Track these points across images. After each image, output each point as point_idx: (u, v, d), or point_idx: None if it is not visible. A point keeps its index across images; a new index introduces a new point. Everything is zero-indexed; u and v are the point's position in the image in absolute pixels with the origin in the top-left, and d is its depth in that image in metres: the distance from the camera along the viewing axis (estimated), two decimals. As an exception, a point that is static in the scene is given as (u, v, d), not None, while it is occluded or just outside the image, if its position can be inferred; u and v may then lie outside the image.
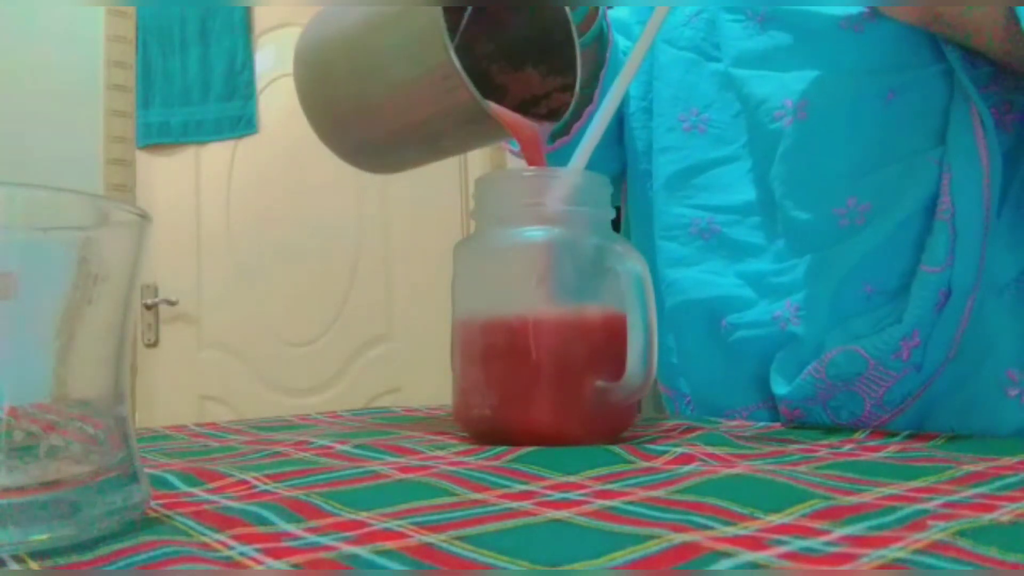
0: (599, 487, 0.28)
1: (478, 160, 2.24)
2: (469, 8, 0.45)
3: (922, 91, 0.46)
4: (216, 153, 2.23)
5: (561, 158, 0.51)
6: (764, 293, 0.51)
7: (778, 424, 0.51)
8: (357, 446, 0.39)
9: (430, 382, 2.08)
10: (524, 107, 0.50)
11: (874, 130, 0.47)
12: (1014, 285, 0.45)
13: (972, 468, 0.30)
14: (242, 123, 2.37)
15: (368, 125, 0.47)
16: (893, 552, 0.19)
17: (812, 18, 0.49)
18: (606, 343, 0.39)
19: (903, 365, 0.44)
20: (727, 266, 0.53)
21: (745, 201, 0.52)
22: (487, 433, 0.40)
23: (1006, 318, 0.45)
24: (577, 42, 0.49)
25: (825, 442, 0.40)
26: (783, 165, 0.50)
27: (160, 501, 0.27)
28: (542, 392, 0.39)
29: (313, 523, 0.23)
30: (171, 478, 0.31)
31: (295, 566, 0.19)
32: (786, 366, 0.49)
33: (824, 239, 0.48)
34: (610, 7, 0.62)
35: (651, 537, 0.21)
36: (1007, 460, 0.32)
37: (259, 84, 2.42)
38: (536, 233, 0.41)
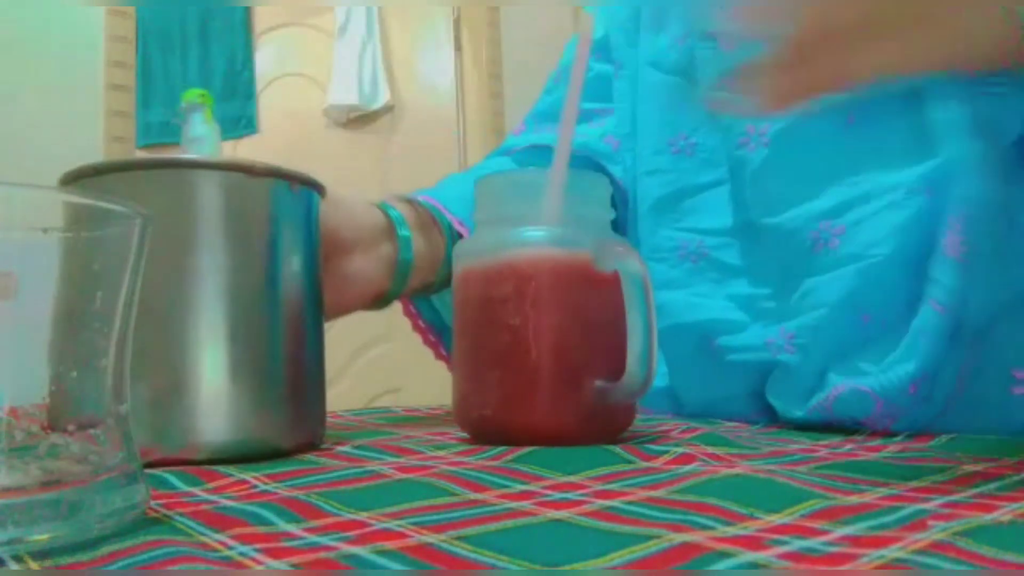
0: (599, 487, 0.28)
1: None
2: None
3: (883, 113, 0.46)
4: (216, 153, 2.23)
5: None
6: (756, 317, 0.51)
7: (778, 424, 0.51)
8: (357, 446, 0.39)
9: (430, 382, 2.08)
10: None
11: (838, 154, 0.47)
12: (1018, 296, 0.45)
13: (972, 468, 0.30)
14: (242, 123, 2.37)
15: None
16: (893, 552, 0.19)
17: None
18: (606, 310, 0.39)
19: (912, 399, 0.43)
20: (716, 289, 0.53)
21: (733, 224, 0.53)
22: (487, 433, 0.40)
23: (1008, 320, 0.45)
24: None
25: (825, 442, 0.40)
26: (753, 190, 0.50)
27: (160, 501, 0.27)
28: (542, 392, 0.39)
29: (313, 523, 0.23)
30: (171, 478, 0.31)
31: (295, 566, 0.19)
32: (783, 394, 0.49)
33: (802, 263, 0.48)
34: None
35: (651, 537, 0.21)
36: (1007, 460, 0.32)
37: (259, 84, 2.42)
38: (536, 234, 0.41)
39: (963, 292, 0.42)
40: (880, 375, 0.43)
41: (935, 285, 0.43)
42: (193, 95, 0.41)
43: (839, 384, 0.45)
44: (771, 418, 0.52)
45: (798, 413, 0.48)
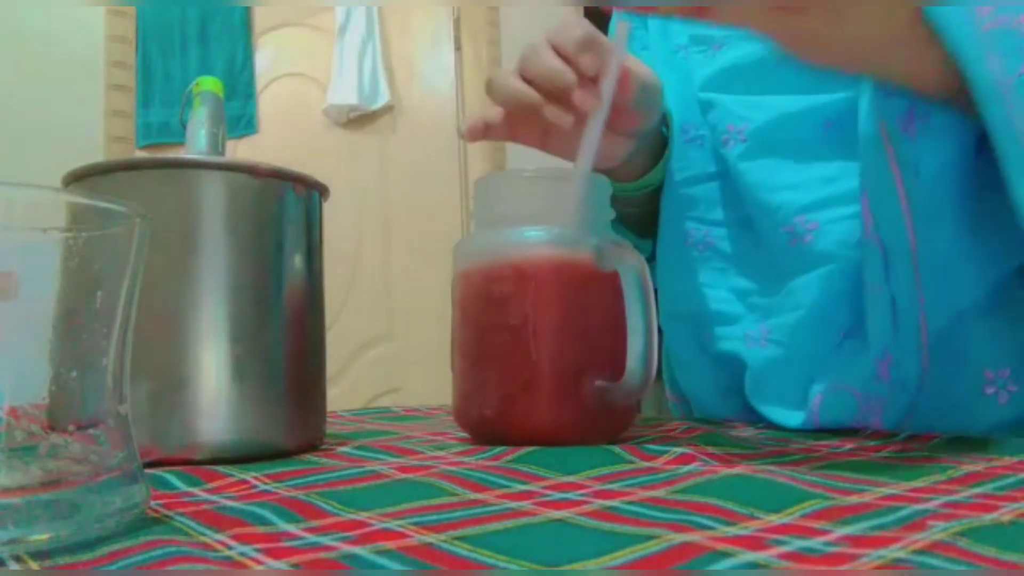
0: (599, 487, 0.28)
1: (478, 160, 2.24)
2: None
3: (856, 121, 0.46)
4: (216, 153, 2.23)
5: None
6: (750, 310, 0.52)
7: (778, 425, 0.51)
8: (357, 446, 0.39)
9: (430, 382, 2.08)
10: None
11: (813, 156, 0.48)
12: (985, 299, 0.45)
13: (972, 468, 0.30)
14: (242, 123, 2.37)
15: None
16: (893, 552, 0.19)
17: (755, 39, 0.50)
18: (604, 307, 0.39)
19: (887, 386, 0.44)
20: (719, 279, 0.54)
21: (737, 216, 0.54)
22: (487, 433, 0.40)
23: (978, 323, 0.45)
24: None
25: (825, 442, 0.40)
26: (737, 186, 0.52)
27: (160, 501, 0.27)
28: (542, 392, 0.39)
29: (313, 523, 0.23)
30: (171, 478, 0.31)
31: (295, 566, 0.19)
32: (770, 399, 0.50)
33: (783, 258, 0.49)
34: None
35: (651, 537, 0.21)
36: (1007, 460, 0.32)
37: (259, 84, 2.42)
38: (536, 234, 0.41)
39: (885, 269, 0.42)
40: (851, 368, 0.44)
41: (866, 270, 0.43)
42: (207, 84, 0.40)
43: (819, 392, 0.45)
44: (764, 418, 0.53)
45: (790, 423, 0.48)
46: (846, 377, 0.44)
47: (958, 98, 0.39)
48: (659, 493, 0.27)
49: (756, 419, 0.53)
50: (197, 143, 0.43)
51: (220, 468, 0.33)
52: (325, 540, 0.21)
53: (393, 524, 0.23)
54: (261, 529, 0.23)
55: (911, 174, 0.42)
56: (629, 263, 0.39)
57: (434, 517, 0.24)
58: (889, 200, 0.42)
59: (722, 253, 0.54)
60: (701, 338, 0.54)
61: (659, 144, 0.57)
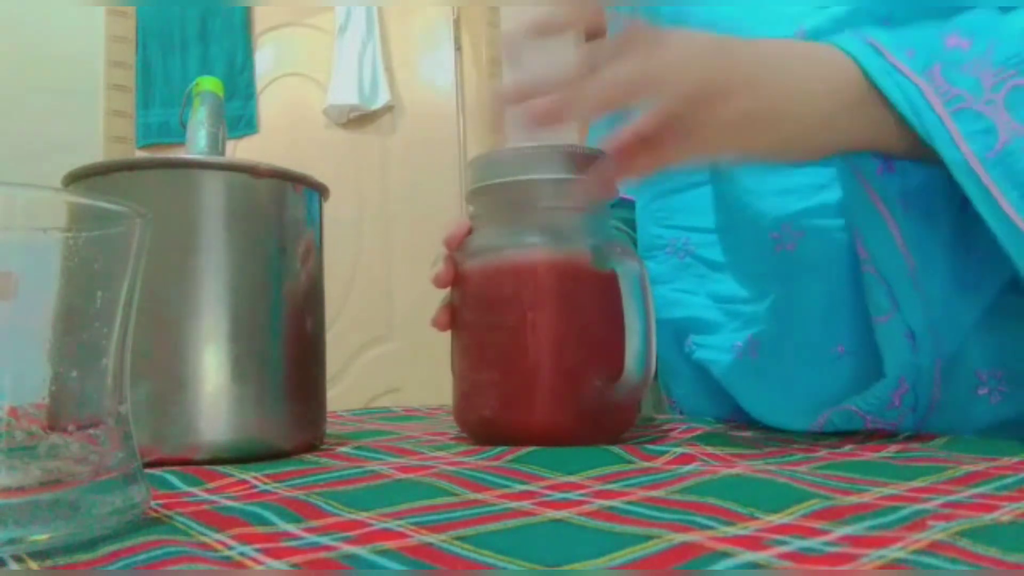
0: (599, 487, 0.28)
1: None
2: None
3: None
4: (216, 153, 2.23)
5: None
6: (731, 318, 0.52)
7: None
8: (357, 446, 0.39)
9: (430, 382, 2.08)
10: None
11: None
12: (981, 316, 0.45)
13: (972, 468, 0.30)
14: (242, 123, 2.37)
15: None
16: (893, 552, 0.19)
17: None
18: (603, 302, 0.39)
19: (898, 412, 0.43)
20: (699, 285, 0.54)
21: (721, 223, 0.54)
22: (487, 434, 0.40)
23: (973, 329, 0.45)
24: None
25: (825, 442, 0.40)
26: (724, 193, 0.52)
27: (160, 501, 0.27)
28: (541, 392, 0.39)
29: (313, 523, 0.23)
30: (171, 478, 0.31)
31: (295, 566, 0.19)
32: (761, 402, 0.49)
33: (769, 265, 0.48)
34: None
35: (651, 537, 0.21)
36: (1007, 460, 0.32)
37: (259, 84, 2.42)
38: (534, 234, 0.41)
39: (893, 299, 0.42)
40: (864, 393, 0.43)
41: (871, 304, 0.43)
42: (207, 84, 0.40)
43: (824, 412, 0.45)
44: (748, 418, 0.52)
45: (789, 427, 0.47)
46: (855, 401, 0.43)
47: (929, 155, 0.38)
48: (659, 493, 0.27)
49: (739, 414, 0.53)
50: (197, 143, 0.43)
51: (220, 468, 0.33)
52: (325, 540, 0.21)
53: (393, 524, 0.23)
54: (261, 529, 0.23)
55: (899, 208, 0.41)
56: (627, 263, 0.39)
57: (434, 517, 0.24)
58: (882, 235, 0.41)
59: (703, 260, 0.54)
60: (681, 344, 0.55)
61: None
